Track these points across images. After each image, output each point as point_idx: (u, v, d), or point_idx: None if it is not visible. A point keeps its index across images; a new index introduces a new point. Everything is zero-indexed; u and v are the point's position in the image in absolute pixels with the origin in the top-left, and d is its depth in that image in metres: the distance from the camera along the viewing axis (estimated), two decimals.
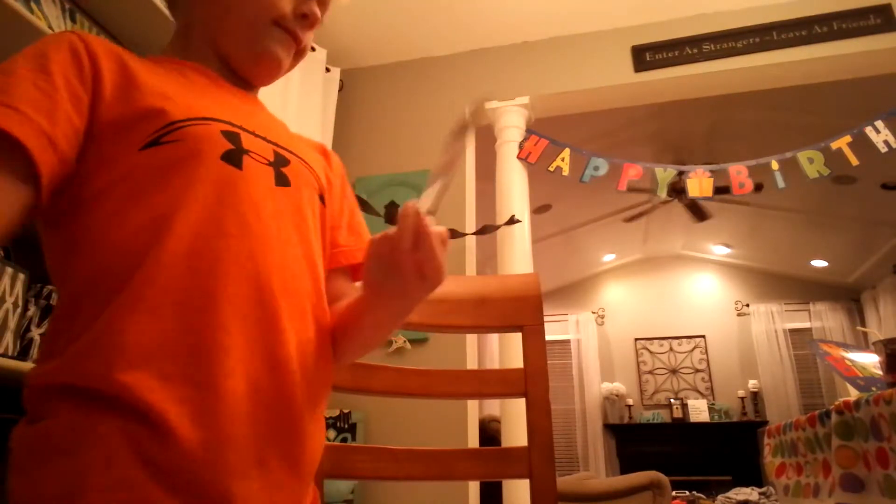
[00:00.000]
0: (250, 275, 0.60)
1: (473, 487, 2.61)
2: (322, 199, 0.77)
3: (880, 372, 1.66)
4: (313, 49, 2.99)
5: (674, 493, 3.75)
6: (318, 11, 0.77)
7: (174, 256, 0.57)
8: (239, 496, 0.55)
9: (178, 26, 0.79)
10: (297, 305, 0.65)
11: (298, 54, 0.79)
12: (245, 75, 0.78)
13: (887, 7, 2.80)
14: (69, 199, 0.60)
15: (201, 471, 0.53)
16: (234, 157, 0.63)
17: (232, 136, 0.64)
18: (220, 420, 0.55)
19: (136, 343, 0.54)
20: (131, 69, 0.65)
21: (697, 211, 5.55)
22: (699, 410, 6.83)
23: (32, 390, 0.57)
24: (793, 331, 7.04)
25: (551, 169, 3.07)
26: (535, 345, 1.00)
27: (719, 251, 7.33)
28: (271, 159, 0.68)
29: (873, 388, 1.71)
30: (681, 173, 3.17)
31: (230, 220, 0.61)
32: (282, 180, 0.68)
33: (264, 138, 0.69)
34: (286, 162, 0.70)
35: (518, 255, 2.92)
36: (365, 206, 2.90)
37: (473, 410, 2.73)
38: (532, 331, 1.01)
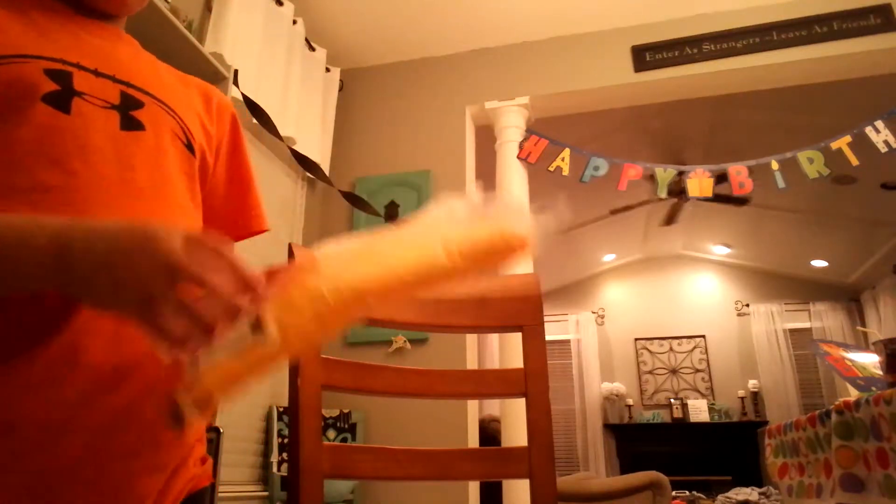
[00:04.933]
0: None
1: (473, 487, 2.61)
2: (191, 149, 0.69)
3: (880, 372, 1.66)
4: (313, 49, 2.98)
5: (674, 493, 3.75)
6: None
7: None
8: None
9: None
10: None
11: None
12: (97, 7, 0.68)
13: (887, 7, 2.80)
14: None
15: None
16: (60, 99, 0.56)
17: (59, 76, 0.56)
18: None
19: None
20: None
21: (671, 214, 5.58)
22: (699, 410, 6.83)
23: None
24: (793, 331, 7.04)
25: (551, 169, 3.07)
26: (535, 345, 1.00)
27: (719, 251, 7.33)
28: (116, 102, 0.61)
29: (873, 388, 1.71)
30: (681, 173, 3.17)
31: (49, 171, 0.54)
32: (131, 124, 0.61)
33: (112, 77, 0.62)
34: (138, 104, 0.63)
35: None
36: (365, 206, 2.90)
37: (473, 410, 2.73)
38: (532, 331, 1.01)
